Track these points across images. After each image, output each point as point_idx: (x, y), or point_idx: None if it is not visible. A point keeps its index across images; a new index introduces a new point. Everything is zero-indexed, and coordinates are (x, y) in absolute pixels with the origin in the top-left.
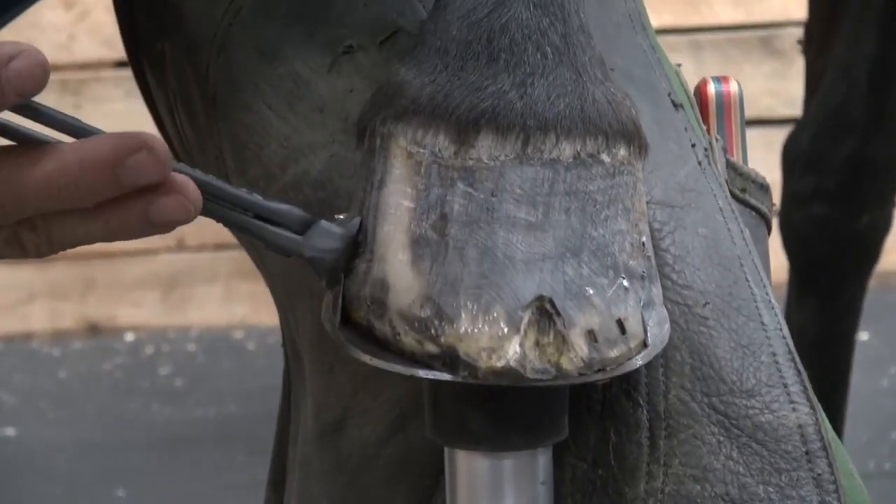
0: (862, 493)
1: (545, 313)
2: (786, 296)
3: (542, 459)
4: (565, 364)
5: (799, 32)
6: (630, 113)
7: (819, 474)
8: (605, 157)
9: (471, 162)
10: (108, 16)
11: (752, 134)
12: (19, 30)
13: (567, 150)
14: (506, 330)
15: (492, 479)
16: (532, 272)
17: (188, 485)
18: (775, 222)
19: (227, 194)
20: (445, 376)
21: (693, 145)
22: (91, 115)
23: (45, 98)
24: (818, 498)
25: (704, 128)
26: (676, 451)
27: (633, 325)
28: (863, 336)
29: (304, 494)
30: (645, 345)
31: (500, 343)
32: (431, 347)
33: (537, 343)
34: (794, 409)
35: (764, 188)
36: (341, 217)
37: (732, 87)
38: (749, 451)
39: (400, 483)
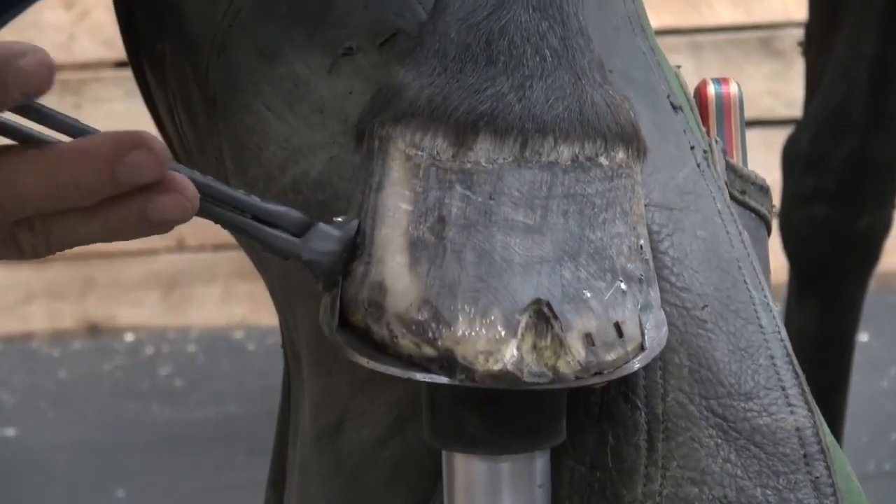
0: (860, 497)
1: (542, 317)
2: (786, 296)
3: (540, 462)
4: (562, 367)
5: (799, 33)
6: (629, 116)
7: (817, 477)
8: (603, 160)
9: (469, 165)
10: (109, 16)
11: (752, 135)
12: (19, 30)
13: (565, 153)
14: (503, 333)
15: (489, 483)
16: (529, 275)
17: (188, 485)
18: (775, 223)
19: (224, 195)
20: (443, 379)
21: (692, 147)
22: (91, 115)
23: (45, 98)
24: (816, 501)
25: (704, 130)
26: (674, 453)
27: (630, 329)
28: (863, 337)
29: (303, 495)
30: (642, 348)
31: (497, 346)
32: (429, 350)
33: (534, 346)
34: (791, 412)
35: (764, 190)
36: (339, 220)
37: (732, 88)
38: (747, 454)
39: (398, 485)
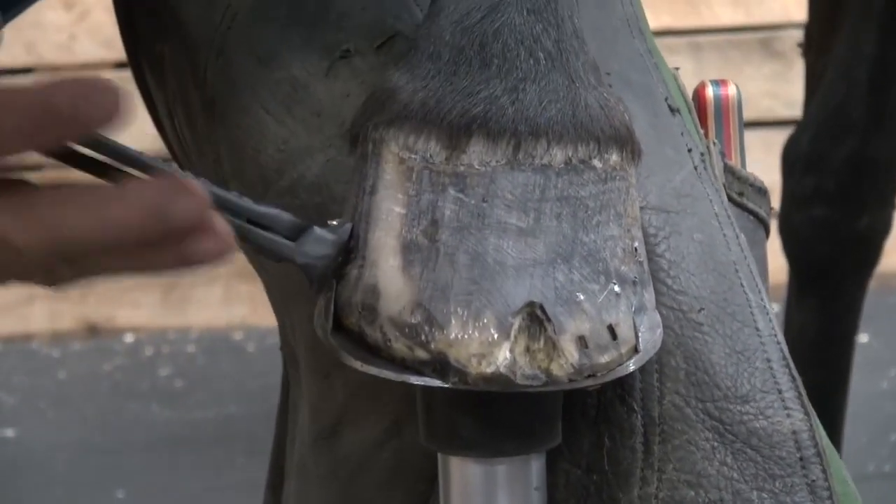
0: (856, 501)
1: (535, 319)
2: (786, 297)
3: (536, 465)
4: (556, 370)
5: (799, 34)
6: (623, 118)
7: (813, 480)
8: (596, 163)
9: (462, 168)
10: (109, 16)
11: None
12: (20, 30)
13: (558, 155)
14: (496, 336)
15: (485, 485)
16: (522, 278)
17: (188, 485)
18: (775, 224)
19: (217, 197)
20: (436, 382)
21: (689, 150)
22: None
23: None
24: None
25: (702, 132)
26: (670, 456)
27: (624, 331)
28: (863, 338)
29: (301, 497)
30: (636, 350)
31: (490, 349)
32: (422, 353)
33: (527, 349)
34: (788, 416)
35: (762, 192)
36: (334, 223)
37: (731, 90)
38: (743, 457)
39: (395, 488)
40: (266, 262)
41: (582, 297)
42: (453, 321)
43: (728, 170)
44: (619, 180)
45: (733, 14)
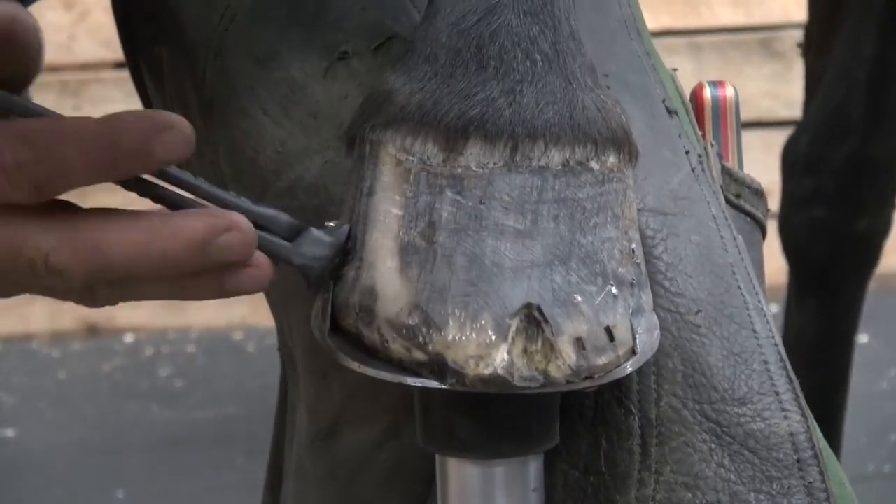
0: (853, 502)
1: (533, 321)
2: (785, 298)
3: (534, 466)
4: (553, 372)
5: (799, 34)
6: (620, 120)
7: (810, 482)
8: (594, 165)
9: (459, 169)
10: (109, 16)
11: (752, 136)
12: None
13: (556, 157)
14: (493, 337)
15: (483, 487)
16: (520, 280)
17: (188, 485)
18: (773, 225)
19: (215, 197)
20: (433, 384)
21: (687, 152)
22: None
23: (45, 99)
24: None
25: (700, 133)
26: (668, 458)
27: (621, 333)
28: (862, 338)
29: (298, 499)
30: (634, 352)
31: (487, 351)
32: (419, 355)
33: (525, 351)
34: (785, 417)
35: (759, 193)
36: (331, 224)
37: (728, 91)
38: (740, 459)
39: (393, 489)
40: None
41: (579, 299)
42: (451, 323)
43: (725, 171)
44: (617, 182)
45: (733, 14)
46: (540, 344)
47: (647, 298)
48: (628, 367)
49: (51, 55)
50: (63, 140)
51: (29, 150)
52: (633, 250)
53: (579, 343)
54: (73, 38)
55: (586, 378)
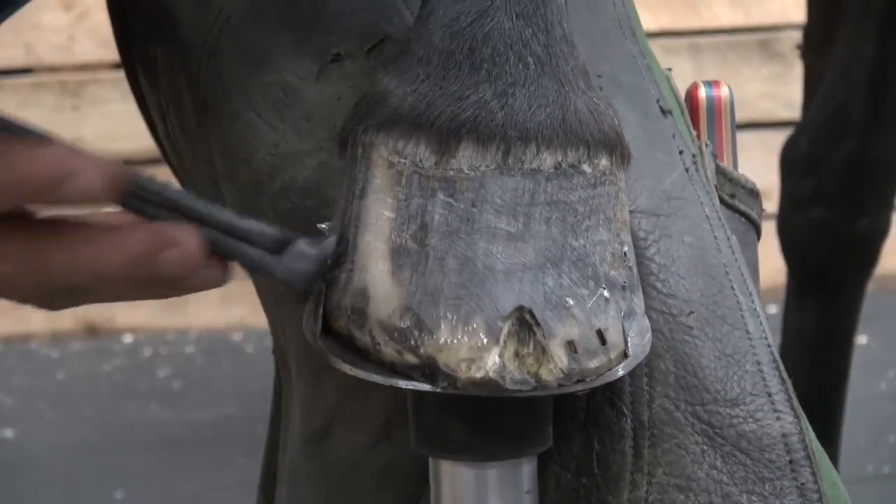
0: (846, 503)
1: (525, 324)
2: (784, 298)
3: (527, 469)
4: (545, 375)
5: (798, 35)
6: (612, 122)
7: (803, 483)
8: (586, 168)
9: (451, 172)
10: (108, 17)
11: (751, 137)
12: (19, 30)
13: (548, 160)
14: (485, 341)
15: (476, 489)
16: (512, 283)
17: (187, 486)
18: (770, 225)
19: (197, 212)
20: (425, 387)
21: (681, 152)
22: (89, 117)
23: (44, 99)
24: None
25: (694, 133)
26: (660, 460)
27: (613, 336)
28: (861, 339)
29: (292, 500)
30: (625, 355)
31: (479, 354)
32: (411, 358)
33: (517, 354)
34: (778, 419)
35: (753, 193)
36: (324, 226)
37: (723, 91)
38: (733, 461)
39: (385, 491)
40: None
41: (571, 302)
42: (443, 326)
43: (720, 171)
44: (609, 185)
45: (732, 15)
46: (531, 347)
47: (638, 301)
48: (620, 371)
49: (50, 55)
50: None
51: None
52: (625, 253)
53: (571, 346)
54: (72, 39)
55: (578, 381)
